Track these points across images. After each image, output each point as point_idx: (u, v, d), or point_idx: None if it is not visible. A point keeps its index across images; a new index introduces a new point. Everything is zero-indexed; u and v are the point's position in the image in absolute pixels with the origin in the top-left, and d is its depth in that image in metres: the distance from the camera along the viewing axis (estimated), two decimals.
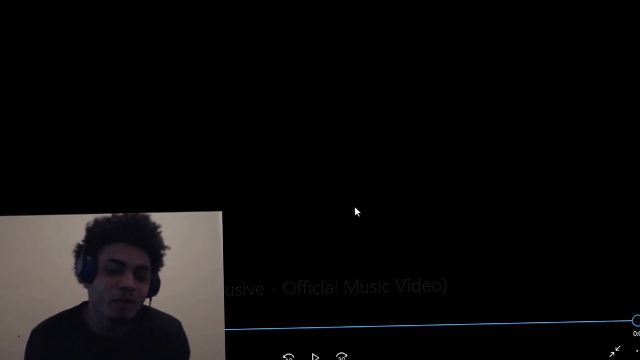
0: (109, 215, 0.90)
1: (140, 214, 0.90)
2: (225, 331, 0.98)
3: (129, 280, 0.87)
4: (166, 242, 0.97)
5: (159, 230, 0.93)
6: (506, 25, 1.00)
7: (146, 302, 0.93)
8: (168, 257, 0.98)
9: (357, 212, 0.99)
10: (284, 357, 0.99)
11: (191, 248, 0.99)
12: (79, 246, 0.91)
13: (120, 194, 0.99)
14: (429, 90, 1.00)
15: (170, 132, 1.00)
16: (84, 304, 0.95)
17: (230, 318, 0.99)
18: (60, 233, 0.97)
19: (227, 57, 1.00)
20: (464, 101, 1.00)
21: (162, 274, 0.97)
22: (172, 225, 0.99)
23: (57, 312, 0.95)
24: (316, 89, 1.00)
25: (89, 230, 0.91)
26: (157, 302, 0.98)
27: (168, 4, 0.99)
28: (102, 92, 1.00)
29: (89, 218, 0.95)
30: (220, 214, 0.99)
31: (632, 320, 0.99)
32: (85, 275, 0.89)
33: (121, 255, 0.88)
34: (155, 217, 0.94)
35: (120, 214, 0.90)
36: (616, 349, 0.99)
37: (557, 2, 1.00)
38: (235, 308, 0.99)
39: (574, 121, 1.00)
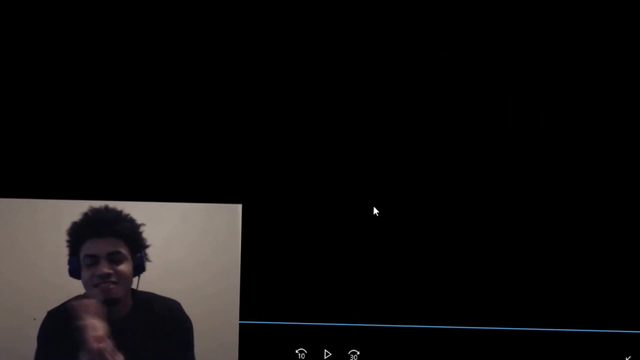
0: (81, 216, 0.98)
1: (101, 207, 0.99)
2: (240, 323, 0.99)
3: (103, 267, 0.97)
4: (186, 233, 0.99)
5: (124, 214, 0.99)
6: (506, 25, 1.00)
7: (135, 280, 0.99)
8: (186, 248, 0.99)
9: (375, 211, 1.00)
10: (296, 351, 1.00)
11: (210, 239, 1.00)
12: (67, 248, 0.99)
13: (145, 184, 1.00)
14: (430, 90, 1.00)
15: (194, 125, 1.00)
16: None
17: (245, 311, 0.99)
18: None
19: (251, 50, 1.00)
20: (463, 101, 1.00)
21: (178, 261, 0.99)
22: (192, 216, 0.99)
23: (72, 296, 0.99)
24: (336, 88, 1.01)
25: (70, 233, 0.99)
26: (173, 293, 0.99)
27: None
28: (126, 85, 1.00)
29: (111, 205, 0.99)
30: (240, 206, 1.00)
31: None
32: (73, 272, 0.99)
33: (92, 249, 0.98)
34: (115, 205, 0.99)
35: (89, 213, 0.98)
36: (626, 359, 1.00)
37: (557, 2, 1.00)
38: (250, 301, 0.99)
39: (574, 121, 1.00)
